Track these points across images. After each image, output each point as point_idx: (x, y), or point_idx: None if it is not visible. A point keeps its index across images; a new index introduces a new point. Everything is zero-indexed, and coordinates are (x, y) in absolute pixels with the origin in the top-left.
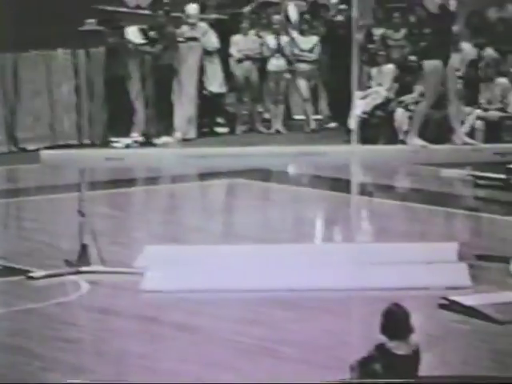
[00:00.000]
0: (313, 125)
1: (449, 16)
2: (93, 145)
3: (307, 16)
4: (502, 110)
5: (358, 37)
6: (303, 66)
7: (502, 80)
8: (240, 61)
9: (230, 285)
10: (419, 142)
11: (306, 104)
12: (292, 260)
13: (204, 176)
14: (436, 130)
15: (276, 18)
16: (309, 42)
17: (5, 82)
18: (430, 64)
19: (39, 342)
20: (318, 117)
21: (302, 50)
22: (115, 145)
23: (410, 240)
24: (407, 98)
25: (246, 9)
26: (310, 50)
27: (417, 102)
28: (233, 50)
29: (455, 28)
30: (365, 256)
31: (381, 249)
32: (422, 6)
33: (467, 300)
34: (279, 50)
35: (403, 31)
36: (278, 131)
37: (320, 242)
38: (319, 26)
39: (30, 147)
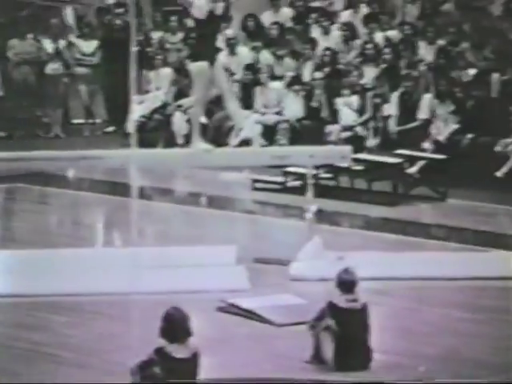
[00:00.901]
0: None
1: (215, 21)
2: None
3: (87, 20)
4: (278, 113)
5: (137, 40)
6: (83, 70)
7: (277, 84)
8: (17, 65)
9: (7, 290)
10: (203, 145)
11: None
12: (70, 264)
13: None
14: (214, 133)
15: (53, 21)
16: (90, 46)
17: None
18: (195, 66)
19: None
20: (97, 121)
21: (84, 54)
22: None
23: (189, 243)
24: (185, 102)
25: (23, 13)
26: (92, 54)
27: (191, 106)
28: (10, 54)
29: (230, 32)
30: (143, 260)
31: (159, 252)
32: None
33: (245, 303)
34: (57, 54)
35: (180, 35)
36: (56, 135)
37: (99, 246)
38: (98, 29)
39: None
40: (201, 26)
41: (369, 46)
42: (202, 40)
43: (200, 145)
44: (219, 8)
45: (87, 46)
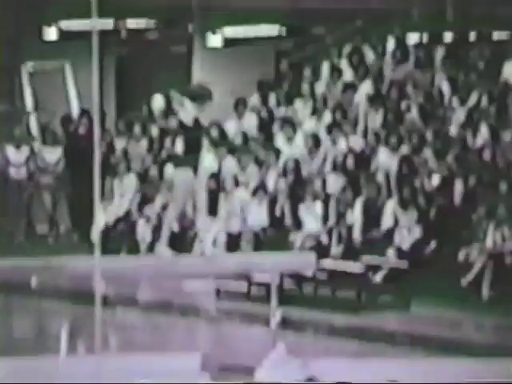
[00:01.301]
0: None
1: (201, 128)
2: None
3: (51, 128)
4: (242, 221)
5: (100, 148)
6: (47, 179)
7: (241, 191)
8: None
9: None
10: (167, 251)
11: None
12: (34, 373)
13: None
14: (180, 240)
15: (17, 129)
16: (54, 154)
17: None
18: (179, 172)
19: None
20: (61, 229)
21: (47, 163)
22: None
23: (153, 351)
24: (149, 209)
25: None
26: (56, 163)
27: (159, 214)
28: None
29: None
30: (107, 368)
31: (124, 361)
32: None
33: None
34: (21, 163)
35: (144, 142)
36: (20, 243)
37: (63, 354)
38: (62, 138)
39: None
40: (186, 132)
41: (332, 154)
42: (187, 146)
43: (164, 251)
44: (205, 116)
45: (50, 154)
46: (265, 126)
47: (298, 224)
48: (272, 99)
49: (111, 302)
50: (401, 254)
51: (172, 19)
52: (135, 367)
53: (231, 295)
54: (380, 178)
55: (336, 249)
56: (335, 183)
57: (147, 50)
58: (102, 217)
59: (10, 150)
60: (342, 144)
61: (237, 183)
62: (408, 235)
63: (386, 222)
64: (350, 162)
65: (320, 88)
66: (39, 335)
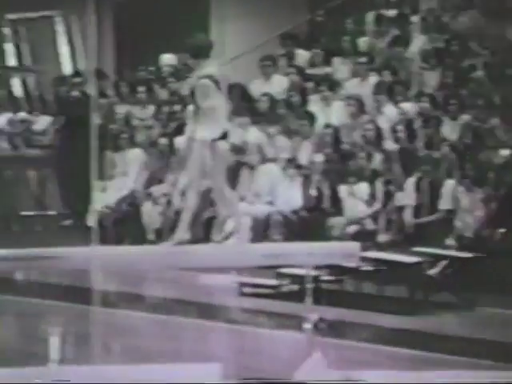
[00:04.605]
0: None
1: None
2: None
3: (40, 91)
4: (271, 203)
5: (98, 116)
6: (34, 152)
7: (269, 167)
8: None
9: None
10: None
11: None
12: None
13: None
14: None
15: None
16: (41, 122)
17: None
18: (201, 137)
19: None
20: (51, 213)
21: (34, 133)
22: None
23: (163, 360)
24: (158, 190)
25: None
26: (43, 133)
27: (166, 195)
28: None
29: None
30: (110, 380)
31: (128, 371)
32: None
33: None
34: (4, 132)
35: (151, 108)
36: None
37: (54, 363)
38: (53, 103)
39: None
40: None
41: (379, 122)
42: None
43: (183, 237)
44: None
45: (37, 123)
46: (296, 89)
47: (337, 206)
48: (304, 56)
49: (112, 300)
50: (463, 242)
51: None
52: (143, 379)
53: (258, 292)
54: (438, 151)
55: (384, 236)
56: (383, 157)
57: None
58: (101, 198)
59: None
60: (391, 110)
61: (263, 158)
62: (471, 220)
63: (445, 203)
64: (401, 131)
65: (364, 43)
66: (27, 341)
